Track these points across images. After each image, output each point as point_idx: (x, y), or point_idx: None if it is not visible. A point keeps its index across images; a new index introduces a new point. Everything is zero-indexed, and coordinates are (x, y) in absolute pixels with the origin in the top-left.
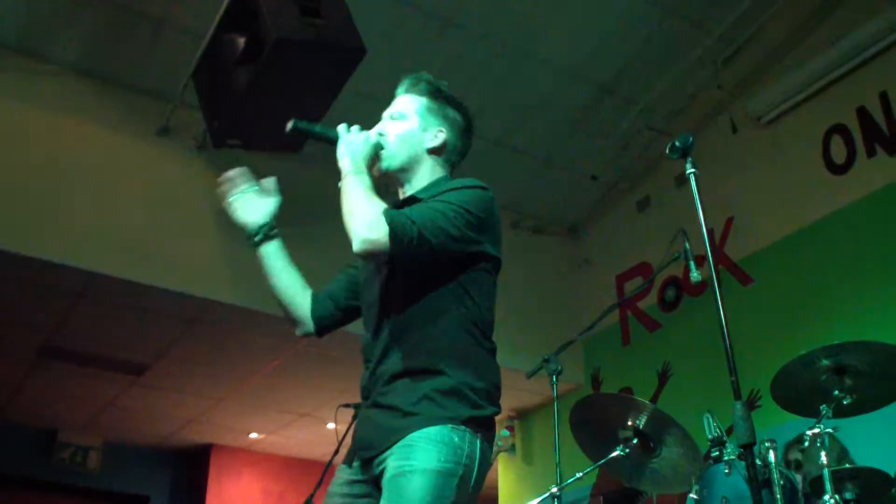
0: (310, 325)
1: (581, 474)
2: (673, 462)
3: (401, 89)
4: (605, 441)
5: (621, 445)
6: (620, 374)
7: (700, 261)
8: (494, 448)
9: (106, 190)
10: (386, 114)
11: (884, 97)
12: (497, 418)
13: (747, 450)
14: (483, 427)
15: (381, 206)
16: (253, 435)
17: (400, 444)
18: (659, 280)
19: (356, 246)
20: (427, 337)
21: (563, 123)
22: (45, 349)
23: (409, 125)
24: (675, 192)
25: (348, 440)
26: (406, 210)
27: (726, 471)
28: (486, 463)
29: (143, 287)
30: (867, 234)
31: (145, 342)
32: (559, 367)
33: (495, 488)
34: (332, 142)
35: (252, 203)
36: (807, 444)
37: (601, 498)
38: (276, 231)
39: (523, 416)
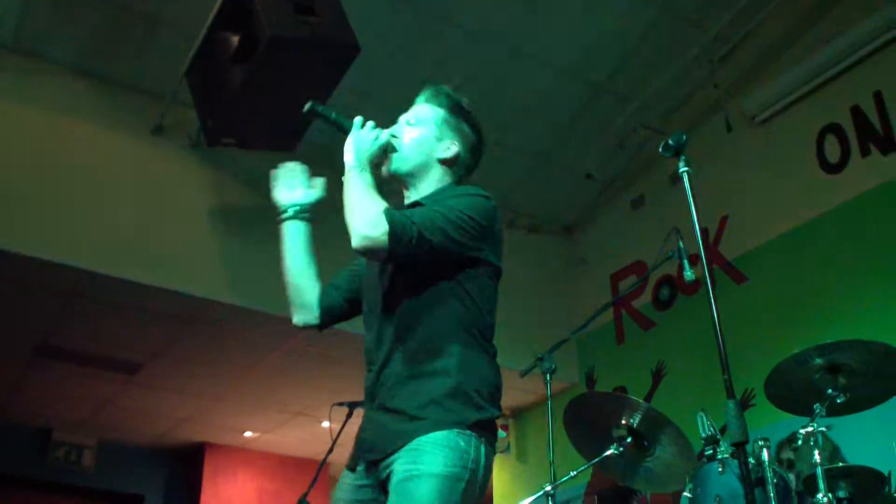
0: (314, 314)
1: (575, 473)
2: (667, 461)
3: (421, 97)
4: (599, 440)
5: (615, 444)
6: (615, 372)
7: (694, 259)
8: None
9: (101, 189)
10: (403, 118)
11: (878, 96)
12: None
13: (740, 448)
14: (487, 430)
15: (383, 204)
16: (248, 434)
17: (407, 447)
18: (653, 279)
19: (355, 242)
20: (431, 340)
21: (558, 122)
22: (40, 348)
23: (424, 132)
24: (670, 191)
25: (342, 438)
26: (407, 211)
27: (720, 469)
28: (490, 467)
29: (139, 286)
30: (861, 233)
31: (140, 341)
32: (553, 366)
33: (489, 487)
34: (345, 131)
35: (295, 183)
36: (800, 442)
37: (595, 497)
38: (307, 216)
39: (517, 414)
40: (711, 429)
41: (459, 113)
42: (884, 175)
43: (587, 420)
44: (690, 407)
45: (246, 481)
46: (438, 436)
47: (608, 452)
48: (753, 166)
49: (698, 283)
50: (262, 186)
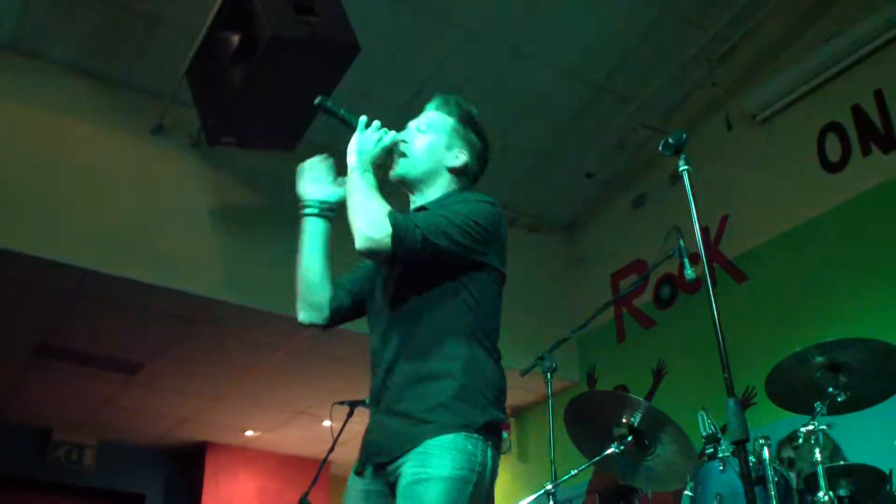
0: (323, 314)
1: (576, 471)
2: (667, 459)
3: (431, 105)
4: (599, 438)
5: (616, 443)
6: (615, 371)
7: (695, 258)
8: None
9: (101, 188)
10: (412, 124)
11: (879, 95)
12: None
13: (740, 446)
14: (494, 434)
15: (386, 207)
16: (249, 433)
17: (415, 450)
18: (654, 278)
19: (359, 244)
20: (438, 344)
21: (558, 121)
22: (40, 348)
23: (435, 140)
24: (671, 190)
25: (344, 437)
26: (411, 215)
27: (721, 468)
28: (496, 470)
29: (139, 285)
30: (862, 231)
31: (140, 340)
32: (553, 365)
33: None
34: (351, 129)
35: (321, 178)
36: (801, 441)
37: (597, 495)
38: (331, 214)
39: (518, 413)
40: (712, 427)
41: (468, 122)
42: (885, 174)
43: (588, 419)
44: (691, 405)
45: (247, 481)
46: (446, 439)
47: (609, 451)
48: (754, 165)
49: (699, 281)
50: (263, 186)
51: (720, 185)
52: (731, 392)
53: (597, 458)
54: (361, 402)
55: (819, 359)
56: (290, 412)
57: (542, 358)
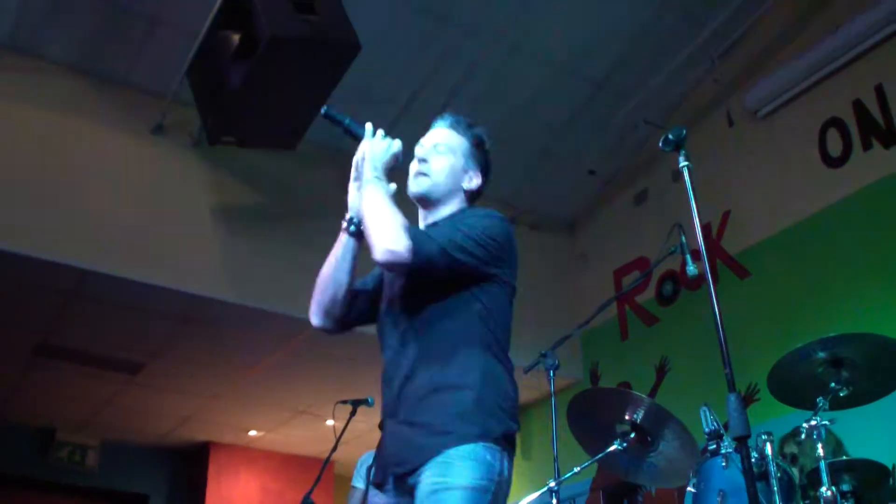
0: (337, 324)
1: (579, 469)
2: (670, 456)
3: (443, 122)
4: (602, 436)
5: (619, 440)
6: (619, 368)
7: (697, 254)
8: None
9: (101, 188)
10: (427, 142)
11: (879, 90)
12: None
13: (741, 442)
14: (510, 444)
15: (404, 219)
16: (252, 432)
17: (435, 460)
18: (656, 274)
19: (378, 255)
20: (454, 355)
21: (558, 118)
22: (41, 348)
23: (453, 162)
24: (672, 186)
25: (346, 436)
26: (428, 230)
27: (723, 464)
28: (511, 480)
29: (140, 285)
30: (864, 226)
31: (142, 340)
32: (556, 362)
33: None
34: (356, 138)
35: None
36: (803, 436)
37: (601, 492)
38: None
39: (521, 411)
40: (715, 423)
41: (479, 145)
42: (886, 168)
43: (591, 416)
44: (694, 402)
45: (250, 480)
46: (466, 449)
47: (612, 448)
48: (755, 161)
49: (701, 278)
50: (264, 185)
51: (722, 181)
52: (732, 388)
53: (600, 456)
54: (364, 401)
55: (821, 354)
56: (292, 412)
57: (544, 355)
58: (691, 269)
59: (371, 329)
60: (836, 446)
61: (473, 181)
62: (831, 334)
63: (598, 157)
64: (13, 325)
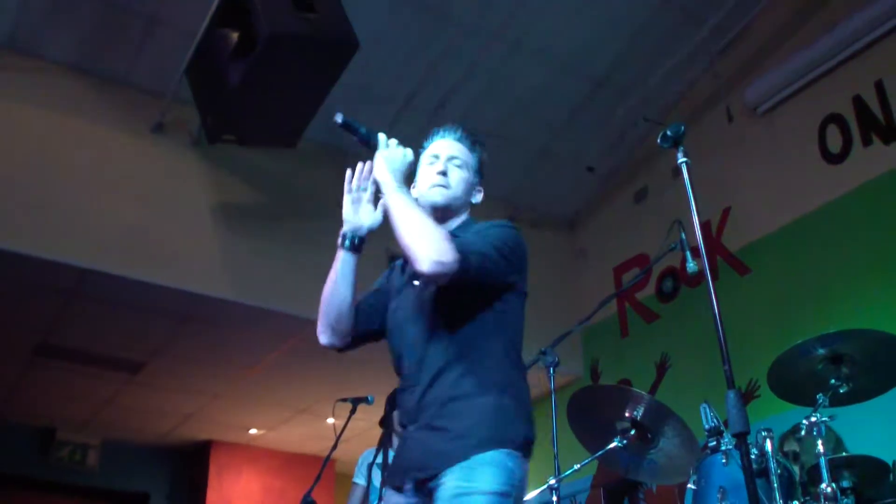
0: (346, 340)
1: (579, 466)
2: (671, 453)
3: (450, 135)
4: (603, 433)
5: (619, 437)
6: (619, 365)
7: (697, 251)
8: None
9: (101, 187)
10: (442, 154)
11: (879, 86)
12: None
13: (740, 438)
14: (528, 452)
15: (443, 229)
16: (252, 431)
17: (459, 465)
18: (656, 271)
19: (426, 267)
20: (477, 363)
21: (558, 115)
22: (41, 347)
23: (466, 176)
24: (672, 183)
25: (347, 435)
26: (461, 240)
27: (723, 461)
28: (526, 486)
29: (139, 284)
30: (864, 222)
31: (142, 339)
32: (556, 359)
33: None
34: (371, 147)
35: (362, 206)
36: (803, 433)
37: (601, 489)
38: (363, 246)
39: None
40: (715, 420)
41: (482, 162)
42: (886, 164)
43: (591, 413)
44: (694, 399)
45: (251, 479)
46: (489, 455)
47: (612, 445)
48: (755, 157)
49: (701, 274)
50: (263, 183)
51: (721, 178)
52: (731, 384)
53: (600, 453)
54: (363, 400)
55: (821, 350)
56: (292, 410)
57: (544, 352)
58: (691, 265)
59: None
60: (835, 443)
61: (479, 195)
62: (831, 330)
63: (598, 154)
64: (13, 324)
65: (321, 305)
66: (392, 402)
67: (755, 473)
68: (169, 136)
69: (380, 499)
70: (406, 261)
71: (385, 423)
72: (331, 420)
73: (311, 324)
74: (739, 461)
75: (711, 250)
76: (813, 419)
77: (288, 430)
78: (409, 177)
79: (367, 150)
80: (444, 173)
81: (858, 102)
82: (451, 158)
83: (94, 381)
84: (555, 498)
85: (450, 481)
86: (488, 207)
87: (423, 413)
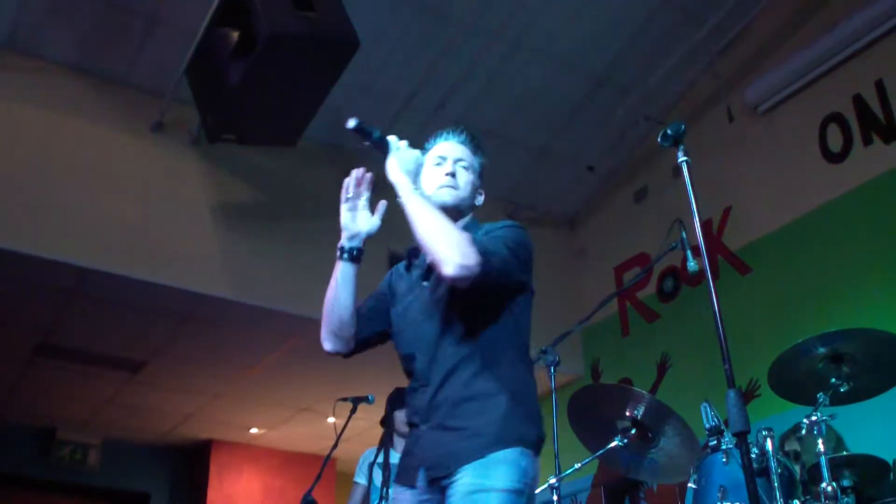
0: (350, 346)
1: (579, 465)
2: (671, 452)
3: (455, 138)
4: (603, 432)
5: (620, 436)
6: (619, 364)
7: (697, 250)
8: None
9: (101, 186)
10: (449, 155)
11: (879, 85)
12: None
13: (741, 437)
14: (539, 450)
15: (465, 232)
16: (253, 430)
17: (475, 463)
18: (657, 270)
19: (451, 271)
20: (491, 363)
21: (558, 114)
22: (41, 347)
23: (472, 179)
24: (672, 182)
25: (347, 434)
26: (479, 242)
27: (724, 460)
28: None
29: (140, 283)
30: (865, 221)
31: (142, 339)
32: (557, 359)
33: None
34: (383, 150)
35: (359, 213)
36: (804, 432)
37: (602, 488)
38: (362, 256)
39: None
40: (715, 419)
41: (483, 166)
42: (887, 163)
43: (592, 412)
44: (695, 398)
45: (251, 478)
46: (503, 454)
47: (613, 444)
48: (756, 156)
49: (702, 274)
50: (263, 183)
51: (722, 177)
52: (731, 383)
53: (601, 452)
54: (364, 399)
55: (821, 349)
56: (293, 409)
57: (545, 352)
58: (691, 265)
59: None
60: (836, 442)
61: (481, 197)
62: (832, 329)
63: (598, 153)
64: (13, 324)
65: (323, 313)
66: (393, 402)
67: (755, 472)
68: (169, 135)
69: (381, 498)
70: (410, 263)
71: (386, 422)
72: (331, 419)
73: (312, 323)
74: (740, 460)
75: (712, 249)
76: (814, 418)
77: (288, 430)
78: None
79: (380, 153)
80: (453, 174)
81: (859, 102)
82: (457, 160)
83: (95, 380)
84: (555, 497)
85: (465, 478)
86: (488, 207)
87: (436, 412)
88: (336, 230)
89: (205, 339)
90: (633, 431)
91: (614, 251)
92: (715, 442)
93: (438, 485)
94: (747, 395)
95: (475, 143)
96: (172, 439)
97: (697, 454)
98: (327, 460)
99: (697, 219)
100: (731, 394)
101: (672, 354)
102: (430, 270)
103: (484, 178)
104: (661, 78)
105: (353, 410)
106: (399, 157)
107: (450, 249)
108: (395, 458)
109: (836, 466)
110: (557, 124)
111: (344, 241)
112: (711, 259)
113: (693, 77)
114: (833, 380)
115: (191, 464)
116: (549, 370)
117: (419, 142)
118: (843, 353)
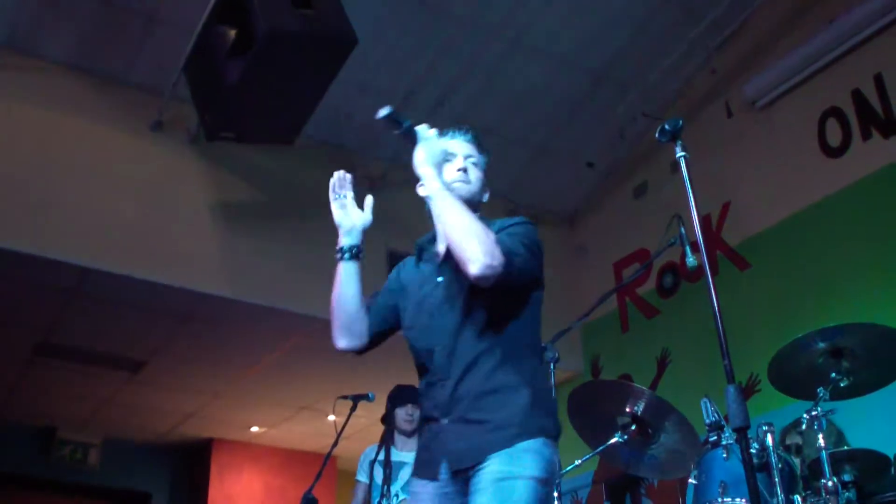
0: (363, 341)
1: (580, 461)
2: (671, 448)
3: (464, 136)
4: (603, 428)
5: (620, 432)
6: (619, 360)
7: (697, 246)
8: None
9: (100, 185)
10: (460, 151)
11: (878, 79)
12: None
13: (741, 433)
14: (558, 441)
15: (490, 230)
16: (253, 429)
17: (501, 452)
18: (657, 266)
19: (478, 270)
20: (510, 357)
21: (557, 111)
22: (41, 346)
23: (480, 176)
24: (672, 178)
25: (347, 432)
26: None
27: (724, 455)
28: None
29: (139, 282)
30: (864, 216)
31: (142, 338)
32: (556, 355)
33: None
34: (412, 140)
35: (349, 209)
36: (804, 426)
37: (603, 485)
38: (362, 253)
39: None
40: (716, 415)
41: (487, 164)
42: (886, 158)
43: (592, 409)
44: (695, 394)
45: (252, 477)
46: (530, 443)
47: (613, 441)
48: (755, 152)
49: (701, 269)
50: (262, 181)
51: (721, 173)
52: (731, 379)
53: (601, 448)
54: (364, 397)
55: (821, 344)
56: (293, 408)
57: (545, 348)
58: (690, 260)
59: None
60: (837, 437)
61: (486, 195)
62: (831, 324)
63: (598, 150)
64: (13, 324)
65: (331, 312)
66: (394, 399)
67: (756, 468)
68: (168, 134)
69: (382, 495)
70: (419, 257)
71: (386, 419)
72: (332, 417)
73: (312, 321)
74: (740, 456)
75: (711, 245)
76: (814, 413)
77: (289, 428)
78: None
79: (411, 144)
80: (464, 170)
81: (857, 96)
82: (467, 156)
83: (95, 380)
84: (556, 493)
85: (492, 466)
86: (487, 204)
87: (457, 406)
88: (335, 229)
89: (205, 338)
90: (634, 427)
91: (613, 247)
92: (715, 437)
93: (462, 476)
94: (747, 391)
95: (480, 144)
96: (173, 438)
97: (698, 450)
98: (328, 458)
99: (696, 214)
100: (731, 389)
101: (672, 350)
102: (442, 265)
103: (487, 174)
104: (660, 75)
105: (354, 408)
106: (427, 147)
107: (478, 249)
108: (395, 455)
109: (837, 461)
110: (557, 122)
111: (342, 241)
112: (710, 254)
113: (692, 73)
114: (833, 375)
115: (191, 463)
116: (549, 366)
117: None
118: (842, 347)
